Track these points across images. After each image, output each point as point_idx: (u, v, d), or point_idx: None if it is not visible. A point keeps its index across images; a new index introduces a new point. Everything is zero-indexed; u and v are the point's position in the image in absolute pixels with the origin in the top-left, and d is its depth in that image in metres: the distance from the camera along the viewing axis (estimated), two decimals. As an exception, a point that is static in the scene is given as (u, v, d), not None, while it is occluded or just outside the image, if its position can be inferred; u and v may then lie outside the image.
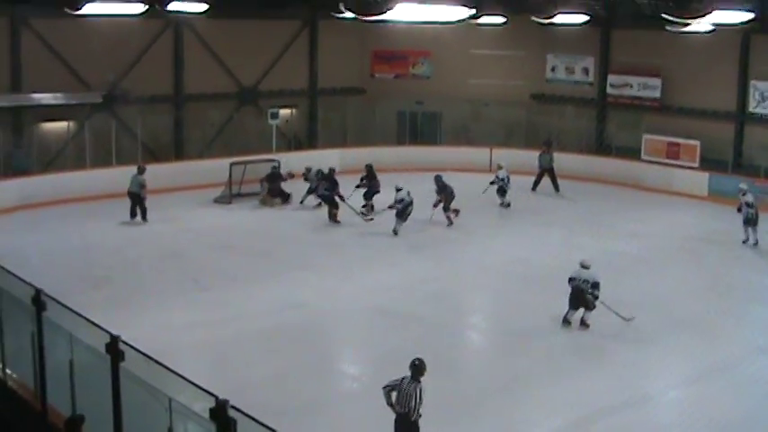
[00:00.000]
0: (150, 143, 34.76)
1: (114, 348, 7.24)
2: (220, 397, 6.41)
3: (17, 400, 9.80)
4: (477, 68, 39.01)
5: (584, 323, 19.11)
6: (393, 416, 12.69)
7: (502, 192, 30.73)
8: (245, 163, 31.64)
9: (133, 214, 27.85)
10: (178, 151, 35.77)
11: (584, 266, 19.20)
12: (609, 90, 37.52)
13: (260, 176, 31.14)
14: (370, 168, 30.28)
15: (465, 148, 36.72)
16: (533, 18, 28.61)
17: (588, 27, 33.12)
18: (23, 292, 10.09)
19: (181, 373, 7.80)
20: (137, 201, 27.79)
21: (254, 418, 6.04)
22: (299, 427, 13.70)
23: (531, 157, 34.40)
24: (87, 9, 23.59)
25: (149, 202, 27.66)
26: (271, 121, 36.17)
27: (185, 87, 36.12)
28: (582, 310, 19.10)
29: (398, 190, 26.88)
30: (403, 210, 26.78)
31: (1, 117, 31.54)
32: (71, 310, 8.61)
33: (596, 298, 18.83)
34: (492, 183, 30.82)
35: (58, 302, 8.68)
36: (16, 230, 26.39)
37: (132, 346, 7.37)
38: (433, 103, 38.81)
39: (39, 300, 8.54)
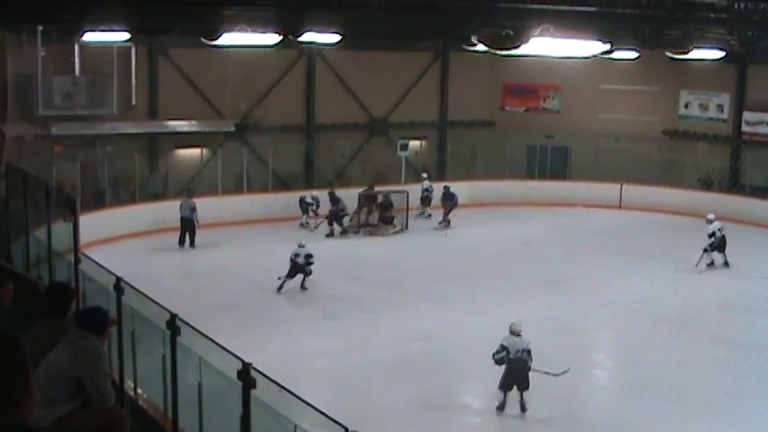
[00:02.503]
0: (281, 171, 35.25)
1: (246, 375, 7.30)
2: (343, 426, 6.42)
3: (147, 419, 9.97)
4: (608, 103, 38.53)
5: (525, 409, 16.00)
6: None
7: (427, 201, 33.42)
8: (374, 193, 31.87)
9: (182, 241, 28.25)
10: (308, 180, 36.18)
11: (515, 333, 16.13)
12: (744, 127, 36.61)
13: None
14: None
15: (594, 183, 36.23)
16: (668, 53, 28.18)
17: (724, 63, 32.41)
18: (154, 313, 10.28)
19: (304, 400, 7.86)
20: (188, 226, 28.20)
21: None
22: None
23: (663, 194, 33.88)
24: (223, 40, 24.08)
25: (263, 231, 28.00)
26: (400, 153, 36.36)
27: (316, 117, 36.62)
28: (514, 390, 16.04)
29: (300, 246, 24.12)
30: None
31: (138, 143, 32.44)
32: (204, 335, 8.73)
33: (529, 369, 15.95)
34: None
35: (192, 327, 8.81)
36: (150, 253, 27.04)
37: (263, 374, 7.42)
38: (563, 138, 38.49)
39: (173, 324, 8.67)
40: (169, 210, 29.44)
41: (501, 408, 16.05)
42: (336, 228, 30.62)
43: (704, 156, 37.08)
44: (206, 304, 21.61)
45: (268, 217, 31.06)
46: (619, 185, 36.04)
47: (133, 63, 31.84)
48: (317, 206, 31.23)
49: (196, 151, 34.18)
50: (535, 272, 26.24)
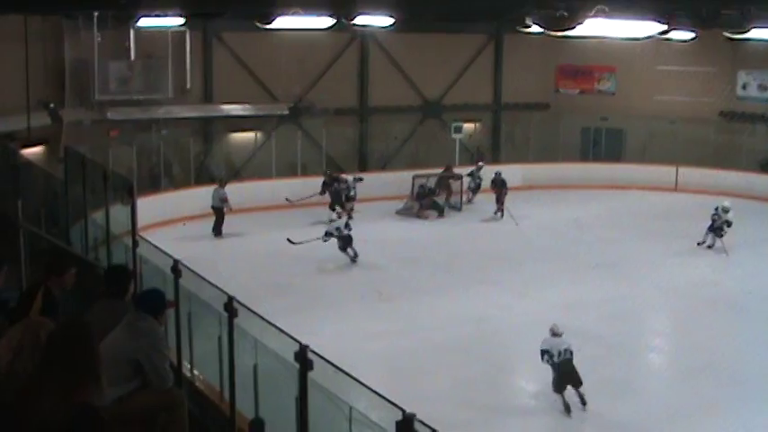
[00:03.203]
0: (334, 154, 35.31)
1: (303, 357, 7.32)
2: (400, 408, 6.41)
3: (204, 400, 10.07)
4: (664, 85, 38.02)
5: (585, 402, 15.55)
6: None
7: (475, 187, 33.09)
8: (428, 176, 31.86)
9: (217, 231, 28.20)
10: (362, 163, 36.24)
11: (557, 334, 15.66)
12: (804, 108, 36.00)
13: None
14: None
15: (649, 166, 35.87)
16: (725, 33, 27.77)
17: (784, 42, 31.82)
18: (210, 295, 10.37)
19: (361, 382, 7.88)
20: (218, 215, 28.19)
21: (437, 432, 6.03)
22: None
23: (720, 177, 33.54)
24: (277, 23, 24.17)
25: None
26: (454, 135, 36.27)
27: (370, 100, 36.62)
28: (568, 388, 15.56)
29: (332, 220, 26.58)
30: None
31: (192, 127, 32.70)
32: (261, 317, 8.77)
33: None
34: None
35: (249, 309, 8.86)
36: (205, 237, 27.21)
37: (320, 356, 7.44)
38: (618, 120, 38.11)
39: (231, 306, 8.71)
40: (224, 193, 29.60)
41: (567, 409, 15.48)
42: (339, 210, 29.99)
43: (763, 137, 36.45)
44: (260, 287, 21.71)
45: (322, 200, 31.11)
46: (674, 168, 35.65)
47: (188, 47, 32.02)
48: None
49: (250, 135, 34.36)
50: (589, 255, 26.09)
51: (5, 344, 5.13)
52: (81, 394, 4.44)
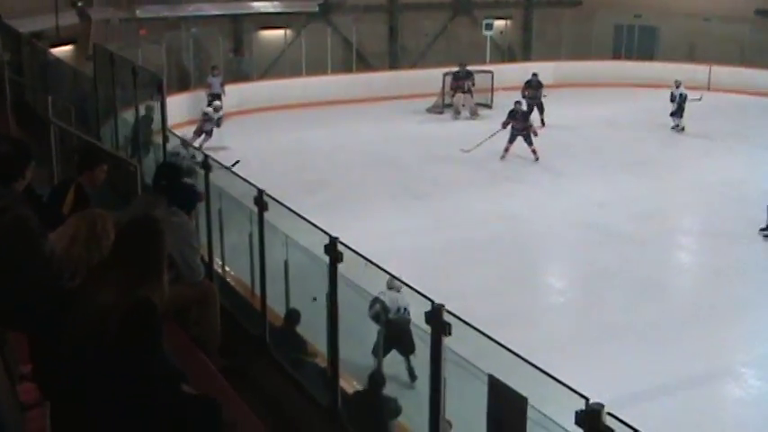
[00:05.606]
0: (364, 52, 35.09)
1: (333, 249, 7.35)
2: (430, 299, 6.46)
3: (235, 295, 10.17)
4: (699, -19, 37.33)
5: (414, 376, 11.61)
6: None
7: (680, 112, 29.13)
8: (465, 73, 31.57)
9: None
10: (392, 61, 36.03)
11: (394, 288, 11.58)
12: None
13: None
14: None
15: (683, 64, 35.26)
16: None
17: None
18: (240, 192, 10.38)
19: (391, 273, 7.95)
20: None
21: (466, 322, 6.09)
22: (504, 335, 13.66)
23: (755, 76, 33.07)
24: None
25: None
26: (485, 32, 35.91)
27: (400, -3, 36.26)
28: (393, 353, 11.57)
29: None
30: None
31: (221, 25, 32.49)
32: (291, 210, 8.75)
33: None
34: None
35: (279, 202, 8.86)
36: (235, 134, 27.15)
37: (349, 247, 7.46)
38: (652, 17, 37.50)
39: (261, 200, 8.72)
40: (254, 91, 29.56)
41: (376, 375, 10.43)
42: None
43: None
44: (290, 184, 21.57)
45: (351, 98, 31.02)
46: (708, 67, 35.14)
47: (216, -59, 31.82)
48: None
49: (279, 32, 34.15)
50: (619, 153, 26.00)
51: (63, 231, 5.23)
52: (144, 289, 4.54)
